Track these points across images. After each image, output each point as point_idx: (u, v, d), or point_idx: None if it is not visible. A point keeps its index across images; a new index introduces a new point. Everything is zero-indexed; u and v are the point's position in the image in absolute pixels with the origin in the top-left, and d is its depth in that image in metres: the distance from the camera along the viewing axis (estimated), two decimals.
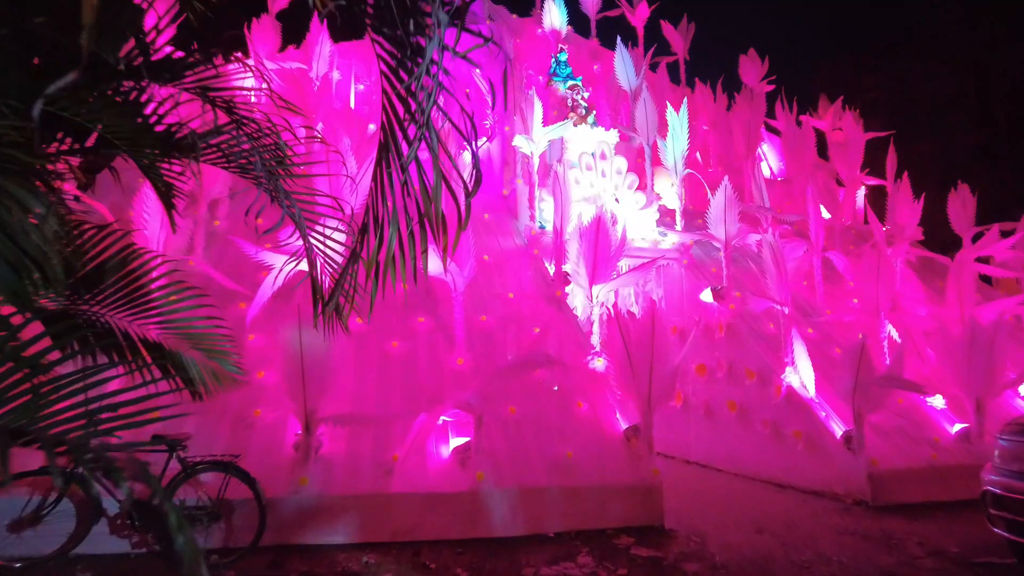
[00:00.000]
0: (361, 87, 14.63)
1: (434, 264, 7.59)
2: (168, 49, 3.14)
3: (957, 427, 8.53)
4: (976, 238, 13.12)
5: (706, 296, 10.33)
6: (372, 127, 12.87)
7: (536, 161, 11.01)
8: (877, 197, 14.74)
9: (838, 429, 8.06)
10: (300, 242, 3.37)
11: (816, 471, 8.29)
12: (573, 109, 12.73)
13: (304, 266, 3.39)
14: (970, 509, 6.85)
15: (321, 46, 13.95)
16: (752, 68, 17.02)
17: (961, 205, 13.42)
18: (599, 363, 8.08)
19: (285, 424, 6.46)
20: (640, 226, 11.31)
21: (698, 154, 15.76)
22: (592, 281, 8.30)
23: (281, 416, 6.48)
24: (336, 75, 14.25)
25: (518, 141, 10.87)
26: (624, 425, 7.18)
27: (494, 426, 6.80)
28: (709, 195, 10.79)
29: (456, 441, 6.47)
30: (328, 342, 5.93)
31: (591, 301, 8.37)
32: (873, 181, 14.99)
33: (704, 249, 11.52)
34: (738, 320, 9.96)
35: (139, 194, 7.29)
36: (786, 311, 9.06)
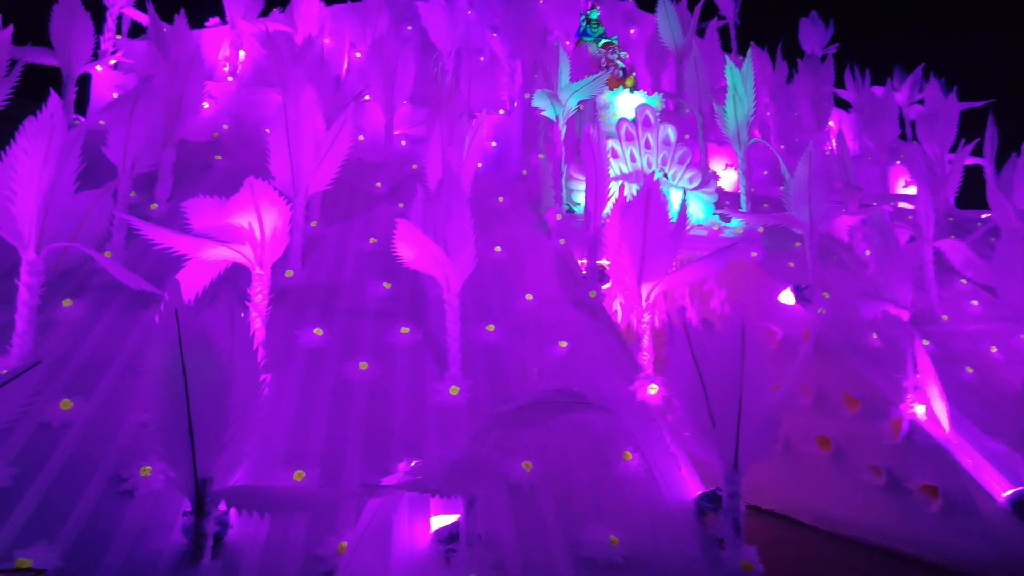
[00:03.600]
0: (357, 54, 12.49)
1: (408, 252, 5.34)
2: None
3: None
4: None
5: (786, 298, 7.91)
6: (367, 98, 10.74)
7: (563, 128, 8.70)
8: (970, 181, 12.16)
9: (997, 488, 5.61)
10: None
11: (962, 545, 5.82)
12: (608, 70, 10.43)
13: None
14: None
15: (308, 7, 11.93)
16: (815, 33, 14.55)
17: None
18: (653, 391, 5.75)
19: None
20: (694, 209, 8.94)
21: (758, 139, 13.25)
22: (640, 277, 5.96)
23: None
24: (326, 41, 12.16)
25: (539, 100, 8.57)
26: (696, 491, 4.86)
27: (498, 495, 4.52)
28: (784, 171, 8.38)
29: (440, 520, 4.19)
30: (238, 359, 3.72)
31: (638, 304, 6.02)
32: (973, 160, 12.34)
33: (776, 239, 9.08)
34: (830, 329, 7.53)
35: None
36: (906, 318, 6.61)
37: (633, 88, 10.12)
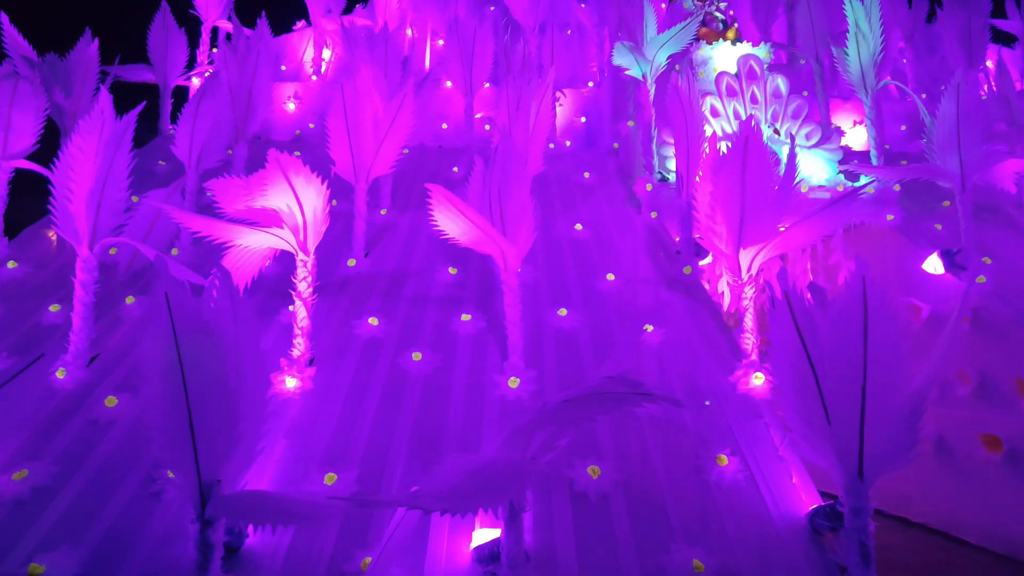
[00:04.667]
0: (440, 42, 12.14)
1: (451, 225, 4.71)
2: None
3: None
4: None
5: (933, 265, 6.49)
6: (449, 84, 10.35)
7: (652, 88, 7.74)
8: None
9: None
10: None
11: None
12: (707, 24, 9.31)
13: None
14: None
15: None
16: None
17: None
18: (758, 381, 4.75)
19: None
20: (814, 169, 7.65)
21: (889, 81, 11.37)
22: (739, 241, 4.96)
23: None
24: (409, 32, 11.89)
25: (620, 57, 7.66)
26: (811, 504, 3.85)
27: (559, 506, 3.77)
28: (926, 118, 6.92)
29: (482, 535, 3.52)
30: (244, 346, 3.28)
31: (737, 276, 5.01)
32: None
33: (918, 199, 7.56)
34: (995, 302, 6.05)
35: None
36: None
37: (736, 41, 8.93)
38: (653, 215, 7.17)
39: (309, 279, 4.96)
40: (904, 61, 11.50)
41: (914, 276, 6.83)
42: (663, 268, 6.31)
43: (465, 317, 5.45)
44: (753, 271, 4.93)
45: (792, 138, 5.68)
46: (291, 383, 4.63)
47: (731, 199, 5.00)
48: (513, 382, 4.67)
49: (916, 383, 3.33)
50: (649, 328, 5.28)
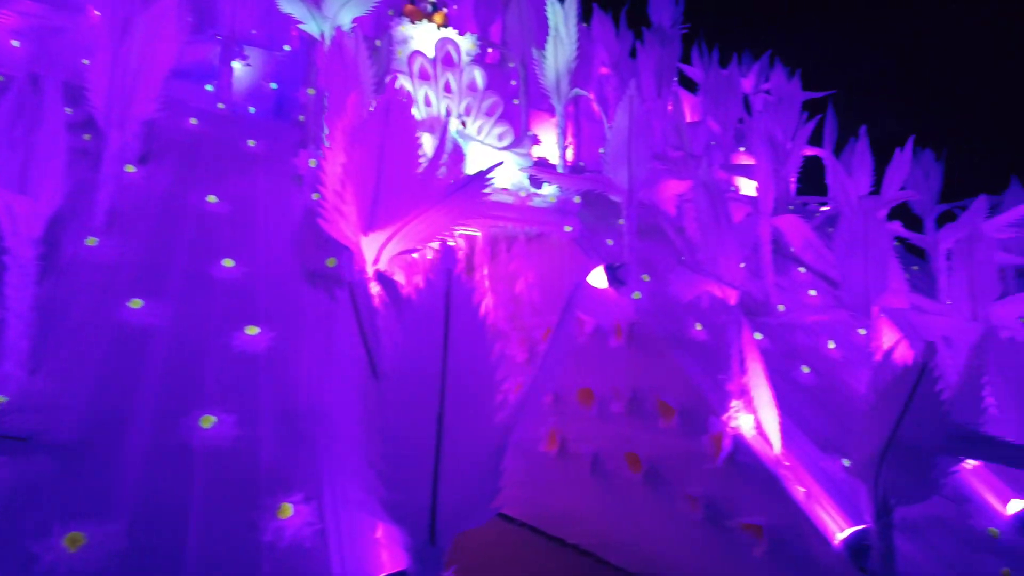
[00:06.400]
0: None
1: None
2: None
3: (1015, 505, 4.91)
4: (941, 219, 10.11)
5: (597, 279, 6.32)
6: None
7: (327, 44, 6.56)
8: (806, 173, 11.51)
9: (834, 527, 4.20)
10: None
11: None
12: (415, 3, 8.52)
13: None
14: None
15: None
16: (665, 7, 13.50)
17: (924, 176, 10.36)
18: None
19: None
20: (503, 172, 7.18)
21: (592, 99, 11.71)
22: (370, 223, 3.99)
23: None
24: None
25: (290, 5, 6.41)
26: (395, 568, 2.96)
27: None
28: (607, 128, 6.81)
29: None
30: None
31: (362, 269, 4.05)
32: (811, 151, 11.60)
33: (597, 211, 7.50)
34: (649, 319, 6.01)
35: None
36: (732, 300, 5.17)
37: (443, 26, 8.25)
38: (315, 196, 6.01)
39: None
40: (609, 88, 12.05)
41: (585, 289, 6.64)
42: (309, 258, 5.17)
43: None
44: (382, 263, 4.00)
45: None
46: None
47: (365, 173, 4.03)
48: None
49: (503, 412, 2.60)
50: (253, 330, 4.07)
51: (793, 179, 10.74)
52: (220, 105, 7.67)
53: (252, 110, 8.62)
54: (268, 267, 5.03)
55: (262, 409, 3.56)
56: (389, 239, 3.93)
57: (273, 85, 8.96)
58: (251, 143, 7.00)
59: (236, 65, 8.38)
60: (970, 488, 4.92)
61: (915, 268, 10.17)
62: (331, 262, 5.04)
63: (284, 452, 3.34)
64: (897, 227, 8.74)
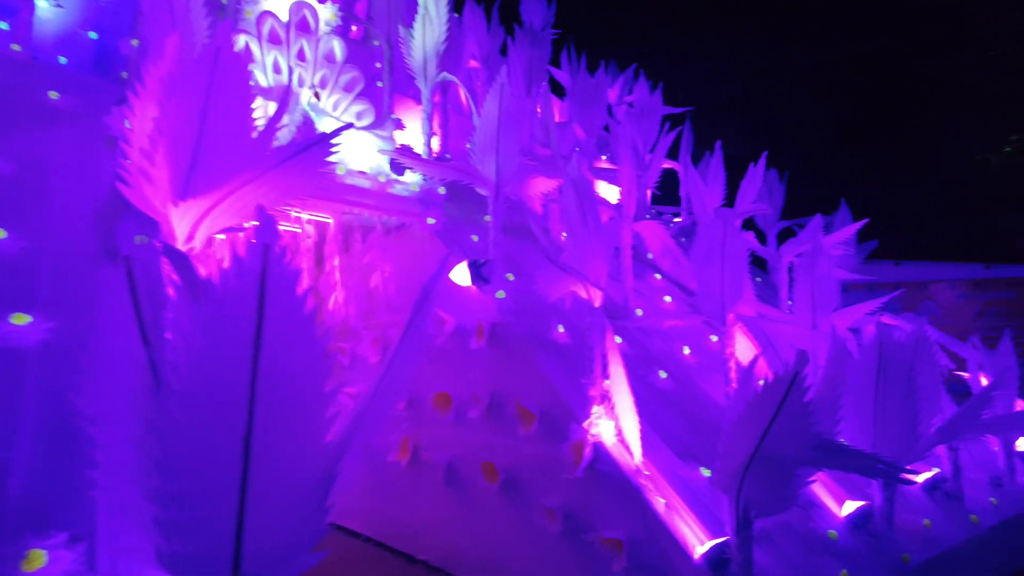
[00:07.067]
0: None
1: None
2: None
3: (849, 506, 5.13)
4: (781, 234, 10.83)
5: (459, 276, 5.91)
6: None
7: None
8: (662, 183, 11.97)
9: (694, 540, 4.08)
10: None
11: None
12: None
13: None
14: None
15: None
16: (538, 8, 13.46)
17: (769, 193, 11.05)
18: None
19: None
20: (360, 153, 6.55)
21: (462, 92, 11.34)
22: (184, 190, 3.28)
23: None
24: None
25: None
26: None
27: None
28: (476, 119, 6.43)
29: None
30: None
31: (172, 244, 3.34)
32: (669, 164, 12.03)
33: (464, 206, 7.10)
34: (512, 319, 5.68)
35: None
36: (597, 302, 4.97)
37: None
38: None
39: None
40: (478, 83, 11.74)
41: (449, 287, 6.21)
42: (109, 233, 4.28)
43: None
44: (197, 241, 3.30)
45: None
46: None
47: (183, 129, 3.30)
48: None
49: (335, 428, 2.08)
50: (22, 319, 3.20)
51: (650, 189, 11.04)
52: (15, 47, 6.36)
53: (63, 60, 7.30)
54: (58, 244, 4.11)
55: (21, 420, 2.76)
56: (208, 211, 3.24)
57: (92, 35, 7.65)
58: (53, 95, 5.83)
59: (42, 3, 7.04)
60: (811, 492, 5.07)
61: (759, 279, 10.78)
62: (140, 239, 4.19)
63: (46, 479, 2.58)
64: (751, 237, 9.17)
